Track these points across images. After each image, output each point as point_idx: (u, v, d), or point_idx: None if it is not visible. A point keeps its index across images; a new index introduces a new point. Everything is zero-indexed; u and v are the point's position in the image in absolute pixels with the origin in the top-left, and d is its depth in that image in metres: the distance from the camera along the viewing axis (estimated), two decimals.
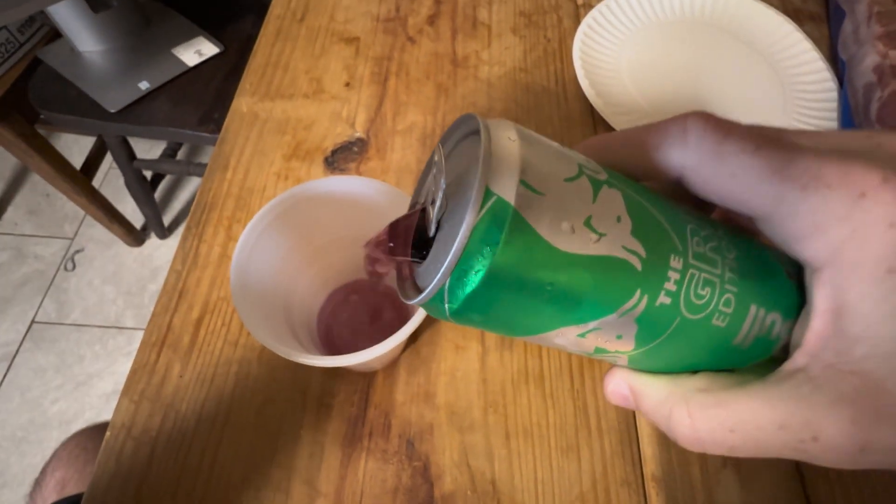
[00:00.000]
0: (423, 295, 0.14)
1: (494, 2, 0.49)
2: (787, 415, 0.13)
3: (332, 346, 0.33)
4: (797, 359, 0.14)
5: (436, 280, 0.13)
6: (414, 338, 0.33)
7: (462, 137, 0.15)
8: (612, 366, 0.17)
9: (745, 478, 0.29)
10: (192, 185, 1.31)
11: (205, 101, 0.80)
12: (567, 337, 0.15)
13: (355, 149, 0.41)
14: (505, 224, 0.12)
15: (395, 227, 0.16)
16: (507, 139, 0.13)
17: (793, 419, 0.13)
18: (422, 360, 0.32)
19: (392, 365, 0.32)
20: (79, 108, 0.78)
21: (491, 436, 0.30)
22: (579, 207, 0.13)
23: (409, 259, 0.15)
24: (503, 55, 0.46)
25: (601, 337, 0.15)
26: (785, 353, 0.15)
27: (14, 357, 1.10)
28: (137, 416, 0.30)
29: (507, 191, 0.12)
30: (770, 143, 0.13)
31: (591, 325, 0.14)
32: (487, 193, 0.12)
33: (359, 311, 0.34)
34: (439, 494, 0.28)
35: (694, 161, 0.14)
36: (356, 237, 0.30)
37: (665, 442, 0.29)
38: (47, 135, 1.25)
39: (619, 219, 0.13)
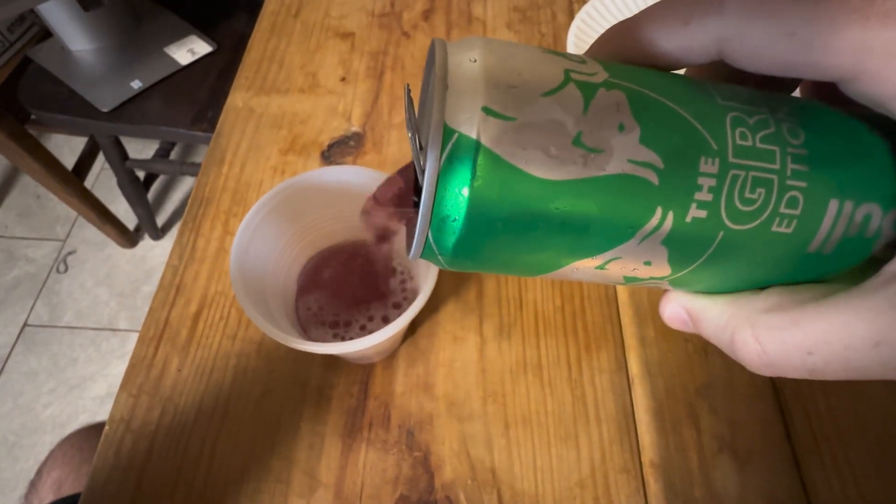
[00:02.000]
0: (413, 251, 0.12)
1: None
2: (886, 328, 0.10)
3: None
4: None
5: (417, 235, 0.12)
6: (412, 329, 0.33)
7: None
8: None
9: (742, 462, 0.29)
10: (185, 185, 1.30)
11: (198, 99, 0.79)
12: (584, 271, 0.13)
13: (352, 143, 0.41)
14: (473, 163, 0.11)
15: (394, 180, 0.15)
16: (468, 61, 0.11)
17: (894, 333, 0.10)
18: (420, 352, 0.32)
19: (391, 356, 0.32)
20: (70, 107, 0.78)
21: (490, 425, 0.30)
22: (565, 124, 0.11)
23: (412, 211, 0.14)
24: None
25: (625, 265, 0.13)
26: (892, 251, 0.12)
27: (6, 361, 1.09)
28: (136, 409, 0.30)
29: (469, 124, 0.11)
30: None
31: (608, 254, 0.12)
32: (447, 132, 0.11)
33: (336, 298, 0.33)
34: (440, 483, 0.28)
35: (735, 27, 0.11)
36: (354, 227, 0.30)
37: (662, 429, 0.30)
38: (38, 135, 1.24)
39: (621, 127, 0.11)
